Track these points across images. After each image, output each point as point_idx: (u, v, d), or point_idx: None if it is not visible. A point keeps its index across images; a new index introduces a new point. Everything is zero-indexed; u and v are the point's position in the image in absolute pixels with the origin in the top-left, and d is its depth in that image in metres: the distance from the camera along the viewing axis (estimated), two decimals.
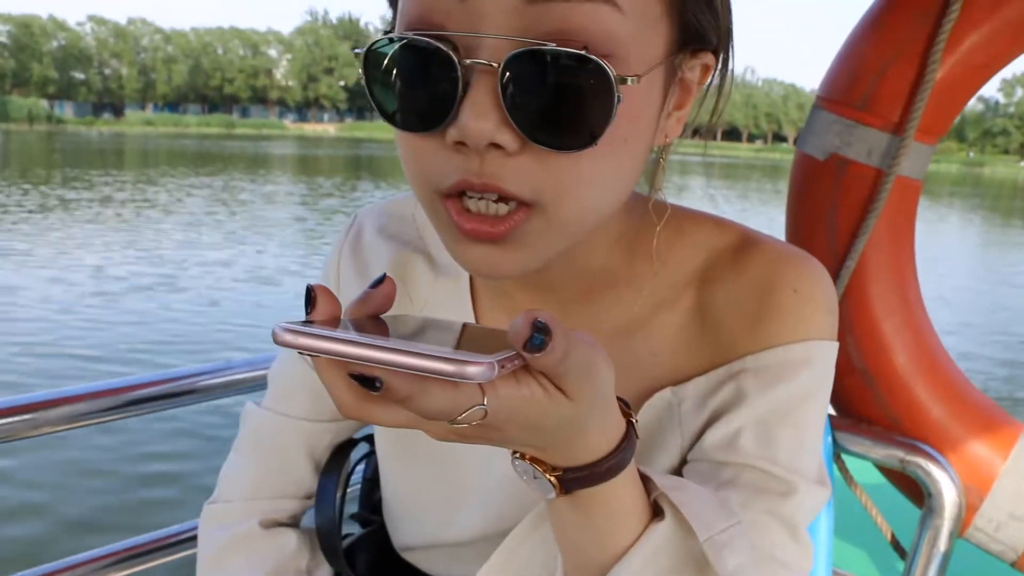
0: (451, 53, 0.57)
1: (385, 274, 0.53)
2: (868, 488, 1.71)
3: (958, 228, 24.40)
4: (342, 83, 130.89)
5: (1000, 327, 10.20)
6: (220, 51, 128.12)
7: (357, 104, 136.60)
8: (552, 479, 0.58)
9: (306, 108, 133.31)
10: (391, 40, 0.60)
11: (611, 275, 0.77)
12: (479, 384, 0.46)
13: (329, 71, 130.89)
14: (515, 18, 0.57)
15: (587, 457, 0.57)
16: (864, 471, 1.73)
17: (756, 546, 0.67)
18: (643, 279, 0.77)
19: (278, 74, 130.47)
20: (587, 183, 0.61)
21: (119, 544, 1.28)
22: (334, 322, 0.48)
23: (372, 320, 0.51)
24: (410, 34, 0.59)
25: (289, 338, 0.45)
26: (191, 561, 1.01)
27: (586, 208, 0.63)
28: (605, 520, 0.61)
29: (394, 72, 0.61)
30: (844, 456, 1.68)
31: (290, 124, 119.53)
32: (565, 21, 0.56)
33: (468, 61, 0.57)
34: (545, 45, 0.56)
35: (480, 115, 0.56)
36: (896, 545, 1.70)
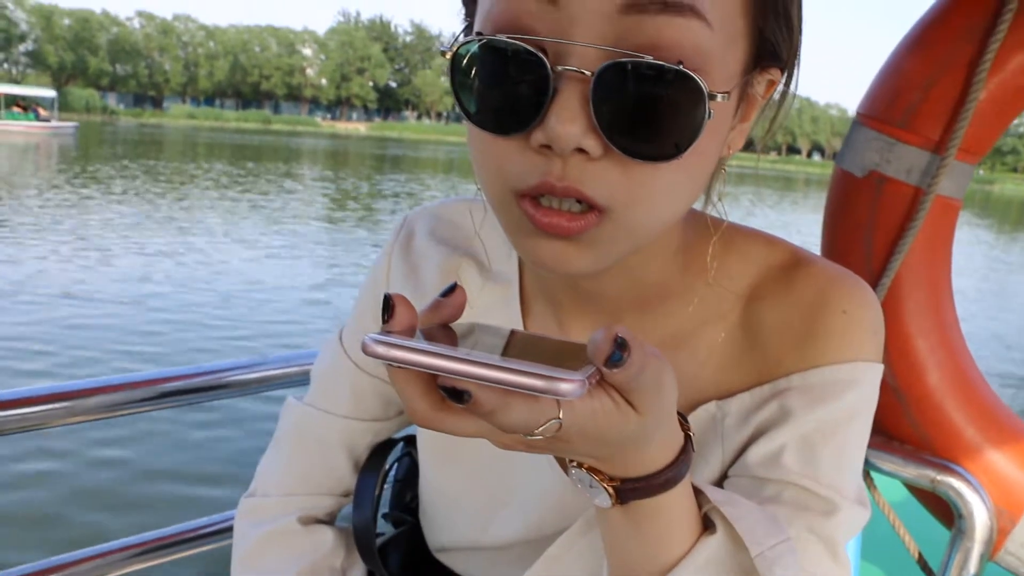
0: (543, 58, 0.54)
1: (456, 283, 0.52)
2: (896, 507, 1.64)
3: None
4: (371, 83, 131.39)
5: None
6: (257, 48, 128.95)
7: (385, 104, 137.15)
8: (609, 489, 0.56)
9: (336, 106, 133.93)
10: (480, 41, 0.57)
11: (664, 287, 0.74)
12: (556, 399, 0.45)
13: (361, 71, 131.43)
14: (608, 27, 0.54)
15: (645, 469, 0.56)
16: (892, 489, 1.67)
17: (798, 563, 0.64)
18: (693, 292, 0.74)
19: (311, 72, 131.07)
20: (662, 192, 0.60)
21: (152, 533, 1.27)
22: (411, 331, 0.47)
23: (441, 328, 0.50)
24: (503, 37, 0.56)
25: (381, 350, 0.44)
26: (224, 552, 0.99)
27: (657, 216, 0.61)
28: (657, 531, 0.59)
29: (480, 73, 0.58)
30: (872, 474, 1.62)
31: (322, 121, 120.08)
32: (659, 34, 0.54)
33: (560, 67, 0.54)
34: (642, 57, 0.54)
35: (569, 120, 0.55)
36: (924, 566, 1.64)
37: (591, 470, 0.56)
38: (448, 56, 0.59)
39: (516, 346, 0.50)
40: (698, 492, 0.62)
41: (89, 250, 11.18)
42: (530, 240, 0.61)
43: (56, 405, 1.14)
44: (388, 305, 0.47)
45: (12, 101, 51.08)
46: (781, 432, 0.70)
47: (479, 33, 0.59)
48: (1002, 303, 13.38)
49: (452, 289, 0.51)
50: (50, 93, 57.14)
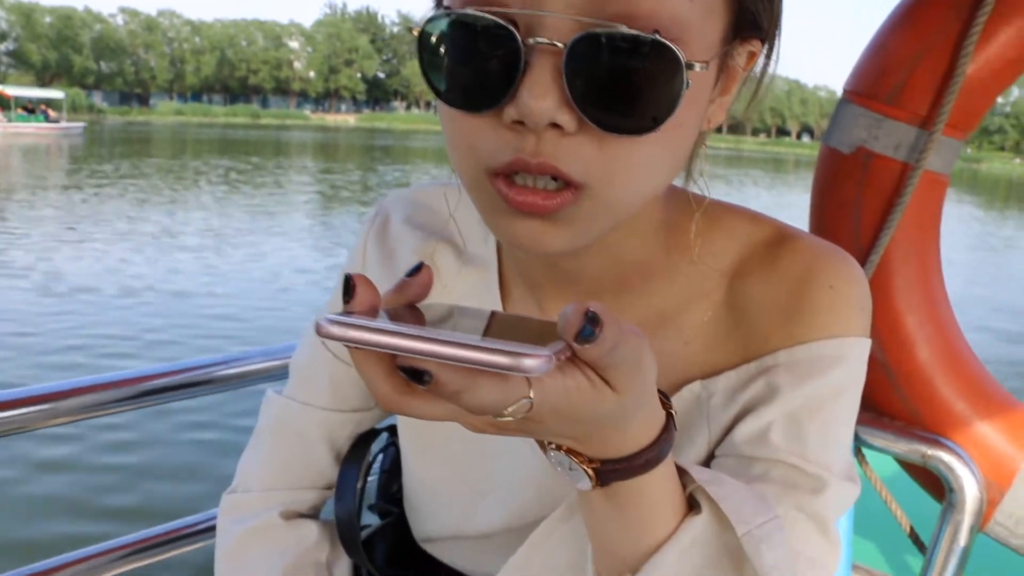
0: (514, 30, 0.52)
1: (422, 263, 0.50)
2: (888, 482, 1.64)
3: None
4: (359, 75, 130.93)
5: None
6: (244, 43, 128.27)
7: (374, 95, 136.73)
8: (589, 471, 0.54)
9: (325, 99, 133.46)
10: (449, 16, 0.55)
11: (645, 266, 0.73)
12: (526, 377, 0.43)
13: (349, 63, 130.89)
14: None
15: (626, 449, 0.54)
16: (883, 465, 1.66)
17: (787, 542, 0.63)
18: (677, 271, 0.73)
19: (298, 65, 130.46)
20: (640, 167, 0.58)
21: (137, 534, 1.25)
22: (373, 312, 0.45)
23: (408, 309, 0.48)
24: (471, 10, 0.54)
25: (336, 330, 0.41)
26: (210, 551, 0.97)
27: (635, 191, 0.60)
28: (640, 513, 0.58)
29: (450, 49, 0.56)
30: (864, 450, 1.61)
31: (311, 114, 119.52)
32: (633, 3, 0.52)
33: (531, 40, 0.53)
34: (617, 27, 0.52)
35: (541, 95, 0.52)
36: (916, 539, 1.64)
37: (570, 452, 0.54)
38: (416, 32, 0.57)
39: (496, 327, 0.48)
40: (682, 472, 0.61)
41: (148, 245, 11.91)
42: (505, 220, 0.59)
43: (36, 408, 1.12)
44: (348, 286, 0.45)
45: (21, 103, 52.05)
46: (768, 410, 0.68)
47: (447, 8, 0.57)
48: (994, 272, 14.31)
49: (418, 269, 0.49)
50: (59, 94, 58.05)
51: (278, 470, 0.91)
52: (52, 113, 53.04)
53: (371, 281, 0.46)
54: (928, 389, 1.61)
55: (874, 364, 1.65)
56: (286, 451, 0.91)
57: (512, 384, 0.43)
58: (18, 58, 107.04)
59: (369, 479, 0.99)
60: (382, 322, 0.42)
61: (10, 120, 48.33)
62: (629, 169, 0.57)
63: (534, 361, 0.40)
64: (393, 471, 1.02)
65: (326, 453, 0.91)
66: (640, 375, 0.48)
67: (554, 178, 0.56)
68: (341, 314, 0.43)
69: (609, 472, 0.54)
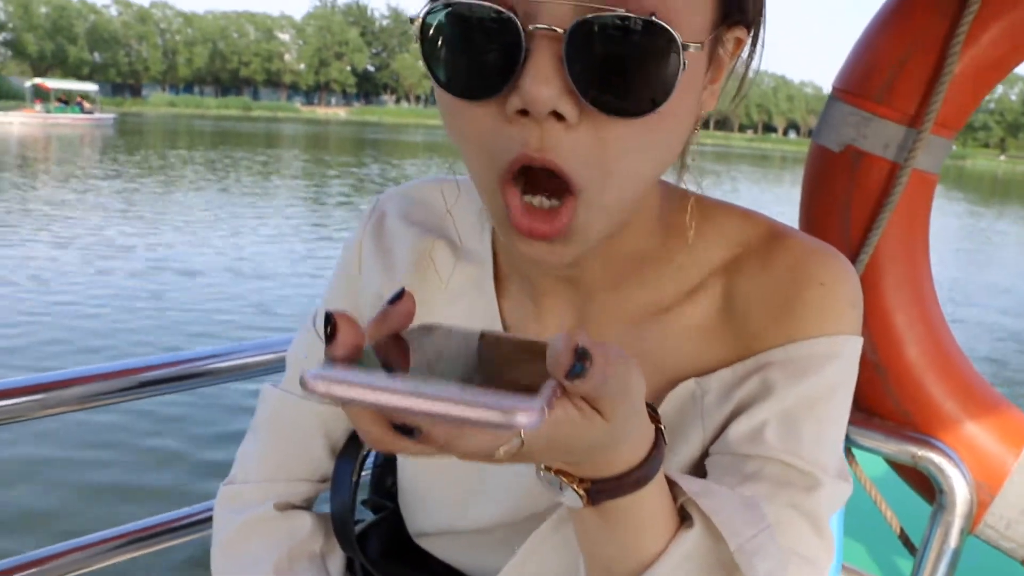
0: (514, 17, 0.53)
1: (403, 289, 0.49)
2: (878, 482, 1.64)
3: None
4: (349, 68, 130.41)
5: None
6: (235, 35, 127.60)
7: (364, 89, 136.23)
8: (580, 491, 0.54)
9: (315, 92, 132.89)
10: (448, 5, 0.55)
11: (641, 261, 0.73)
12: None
13: (339, 56, 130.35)
14: None
15: (616, 469, 0.54)
16: (873, 465, 1.66)
17: (780, 541, 0.63)
18: (672, 266, 0.73)
19: (289, 58, 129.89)
20: (637, 152, 0.58)
21: (134, 524, 1.24)
22: (356, 351, 0.44)
23: (394, 341, 0.48)
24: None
25: (321, 387, 0.41)
26: (206, 542, 0.97)
27: (634, 177, 0.60)
28: (631, 529, 0.58)
29: (450, 38, 0.56)
30: (854, 450, 1.61)
31: (302, 107, 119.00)
32: None
33: (532, 27, 0.53)
34: (614, 11, 0.52)
35: (543, 81, 0.53)
36: (906, 541, 1.63)
37: (560, 472, 0.54)
38: (417, 23, 0.57)
39: (485, 354, 0.48)
40: (672, 484, 0.61)
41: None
42: (515, 236, 0.60)
43: (31, 397, 1.11)
44: (330, 325, 0.44)
45: (58, 95, 53.95)
46: (762, 408, 0.68)
47: None
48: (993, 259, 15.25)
49: (400, 296, 0.49)
50: (93, 87, 60.70)
51: (275, 462, 0.91)
52: (87, 105, 54.86)
53: (353, 319, 0.45)
54: (919, 389, 1.60)
55: (866, 363, 1.64)
56: (282, 444, 0.91)
57: (502, 431, 0.43)
58: (14, 48, 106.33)
59: (364, 473, 0.99)
60: (369, 375, 0.41)
61: (48, 111, 50.10)
62: (626, 155, 0.57)
63: (527, 417, 0.39)
64: (387, 465, 1.01)
65: (322, 446, 0.91)
66: (628, 399, 0.48)
67: (552, 172, 0.56)
68: (326, 366, 0.42)
69: (600, 492, 0.54)
